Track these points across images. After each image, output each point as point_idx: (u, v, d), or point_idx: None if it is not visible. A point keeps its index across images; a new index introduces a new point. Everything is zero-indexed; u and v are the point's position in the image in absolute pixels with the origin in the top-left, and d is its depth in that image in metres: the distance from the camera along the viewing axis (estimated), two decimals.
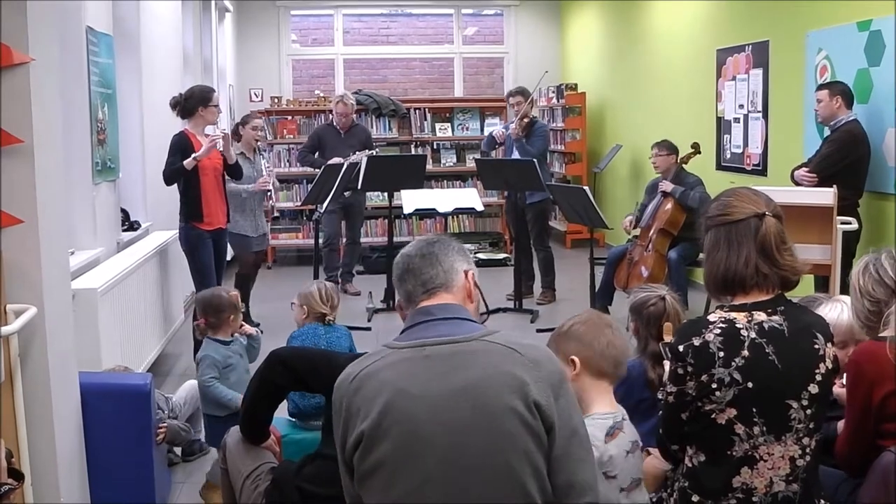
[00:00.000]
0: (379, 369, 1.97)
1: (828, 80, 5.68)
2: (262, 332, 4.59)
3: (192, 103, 5.62)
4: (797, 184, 5.41)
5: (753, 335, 2.23)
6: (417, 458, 1.89)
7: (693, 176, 6.84)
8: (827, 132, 5.50)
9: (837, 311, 2.89)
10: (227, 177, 5.91)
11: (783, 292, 2.31)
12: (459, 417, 1.90)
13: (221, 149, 5.62)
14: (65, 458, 3.00)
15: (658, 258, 6.62)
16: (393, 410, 1.91)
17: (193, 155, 5.43)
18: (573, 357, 2.56)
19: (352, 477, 1.99)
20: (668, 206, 6.67)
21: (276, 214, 7.15)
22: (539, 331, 6.44)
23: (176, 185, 5.65)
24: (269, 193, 6.84)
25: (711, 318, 2.28)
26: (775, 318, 2.26)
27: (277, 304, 6.99)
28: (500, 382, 1.91)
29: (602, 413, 2.53)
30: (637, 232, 6.91)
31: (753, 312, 2.26)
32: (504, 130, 7.62)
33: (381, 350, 2.03)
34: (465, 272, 2.16)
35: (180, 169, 5.47)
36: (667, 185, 6.71)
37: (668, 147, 6.97)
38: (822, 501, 2.34)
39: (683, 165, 6.90)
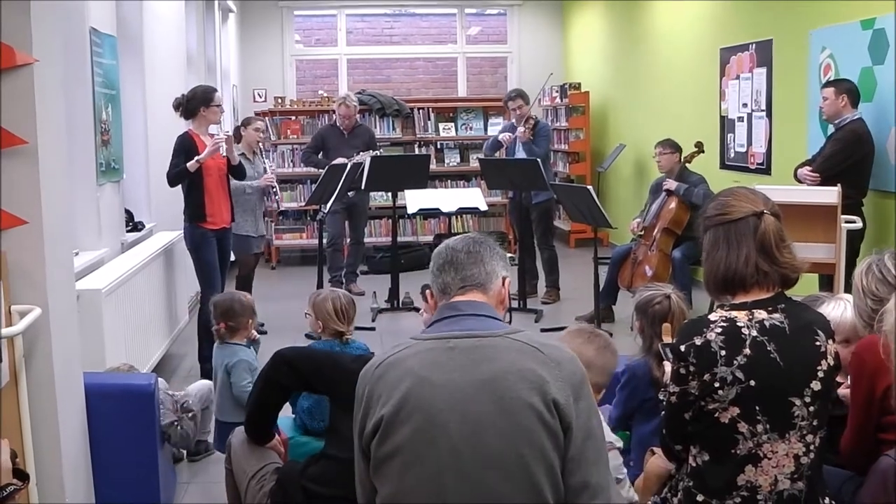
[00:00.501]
0: (403, 358, 2.00)
1: (833, 79, 5.67)
2: (265, 332, 4.59)
3: (195, 104, 5.63)
4: (800, 182, 5.41)
5: (755, 333, 2.23)
6: (433, 447, 1.91)
7: (696, 175, 6.83)
8: (831, 130, 5.49)
9: (841, 309, 2.89)
10: (230, 176, 5.90)
11: (783, 290, 2.31)
12: (478, 409, 1.92)
13: (224, 153, 5.63)
14: (70, 458, 3.01)
15: (662, 257, 6.62)
16: (414, 397, 1.93)
17: (196, 158, 5.44)
18: None
19: (367, 464, 2.01)
20: (672, 204, 6.67)
21: (282, 208, 7.11)
22: (543, 330, 6.44)
23: (180, 185, 5.66)
24: (274, 190, 6.83)
25: (712, 317, 2.28)
26: (776, 315, 2.26)
27: (281, 304, 6.98)
28: (521, 378, 1.93)
29: None
30: (642, 231, 6.90)
31: (754, 311, 2.26)
32: (511, 135, 7.60)
33: (408, 341, 2.06)
34: (503, 279, 2.18)
35: (184, 171, 5.47)
36: (671, 184, 6.71)
37: (671, 145, 6.96)
38: (827, 500, 2.33)
39: (687, 164, 6.90)
